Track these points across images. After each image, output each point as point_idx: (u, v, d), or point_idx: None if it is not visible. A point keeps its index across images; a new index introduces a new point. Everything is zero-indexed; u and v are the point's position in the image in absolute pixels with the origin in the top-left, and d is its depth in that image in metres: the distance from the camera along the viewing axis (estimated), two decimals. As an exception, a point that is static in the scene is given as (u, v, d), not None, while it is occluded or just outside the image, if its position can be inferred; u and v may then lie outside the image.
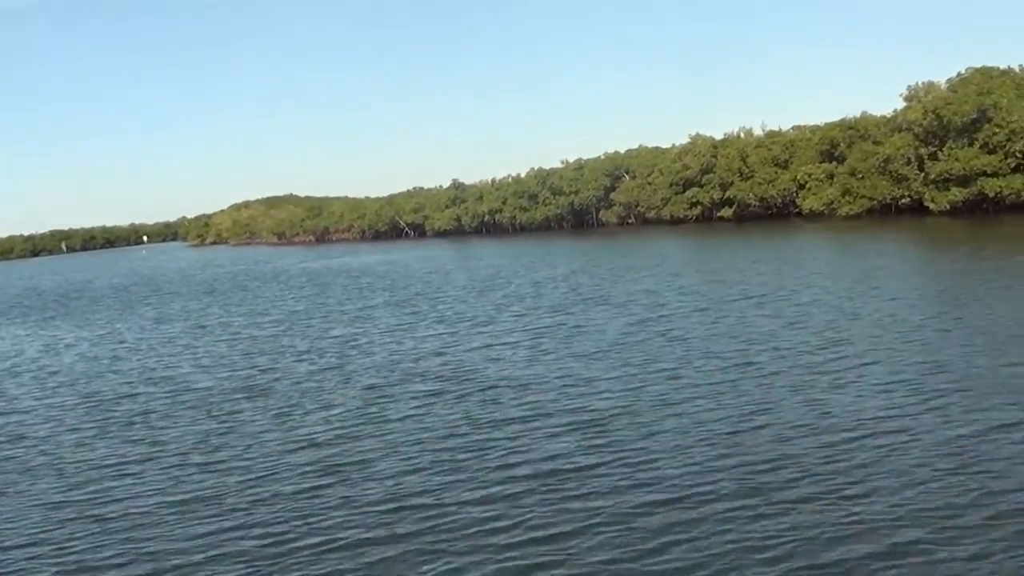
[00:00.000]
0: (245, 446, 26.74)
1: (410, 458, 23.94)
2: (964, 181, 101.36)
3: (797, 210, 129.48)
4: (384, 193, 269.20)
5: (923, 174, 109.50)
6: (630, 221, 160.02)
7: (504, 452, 23.69)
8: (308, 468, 23.88)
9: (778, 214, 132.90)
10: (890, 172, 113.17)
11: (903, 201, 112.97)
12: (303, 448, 25.91)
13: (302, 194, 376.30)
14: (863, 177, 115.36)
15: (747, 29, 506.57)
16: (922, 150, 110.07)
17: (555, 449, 23.53)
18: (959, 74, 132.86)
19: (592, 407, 27.41)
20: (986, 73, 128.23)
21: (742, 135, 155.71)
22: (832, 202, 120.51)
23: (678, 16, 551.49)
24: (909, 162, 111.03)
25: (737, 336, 36.79)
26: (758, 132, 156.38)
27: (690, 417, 25.33)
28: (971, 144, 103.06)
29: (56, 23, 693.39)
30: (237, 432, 28.57)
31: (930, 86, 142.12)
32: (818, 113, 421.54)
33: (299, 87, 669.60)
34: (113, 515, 21.77)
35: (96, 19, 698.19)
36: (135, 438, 29.18)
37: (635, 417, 25.86)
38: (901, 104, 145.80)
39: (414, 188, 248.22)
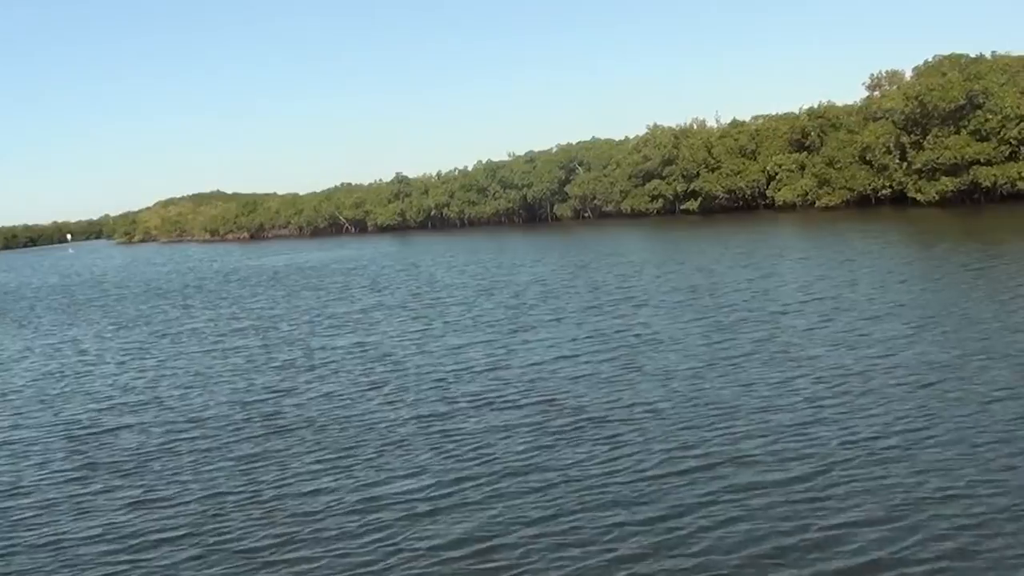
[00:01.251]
0: (315, 519, 18.61)
1: (586, 541, 16.13)
2: (954, 170, 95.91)
3: (766, 202, 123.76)
4: (315, 189, 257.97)
5: (905, 163, 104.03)
6: (586, 215, 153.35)
7: (746, 538, 15.99)
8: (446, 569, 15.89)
9: (745, 206, 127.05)
10: (869, 162, 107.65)
11: (884, 192, 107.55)
12: (410, 522, 17.91)
13: (229, 191, 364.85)
14: (841, 167, 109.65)
15: (693, 21, 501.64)
16: (904, 138, 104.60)
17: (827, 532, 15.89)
18: (926, 61, 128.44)
19: (802, 452, 19.84)
20: (956, 60, 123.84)
21: (695, 126, 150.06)
22: (807, 193, 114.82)
23: (622, 9, 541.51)
24: (889, 151, 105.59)
25: (886, 350, 29.44)
26: (712, 124, 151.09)
27: (961, 474, 17.90)
28: (957, 131, 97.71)
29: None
30: (292, 492, 20.42)
31: (894, 74, 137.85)
32: (770, 104, 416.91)
33: (224, 81, 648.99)
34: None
35: (14, 9, 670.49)
36: (146, 498, 20.91)
37: (892, 467, 18.43)
38: (863, 93, 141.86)
39: (341, 184, 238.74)
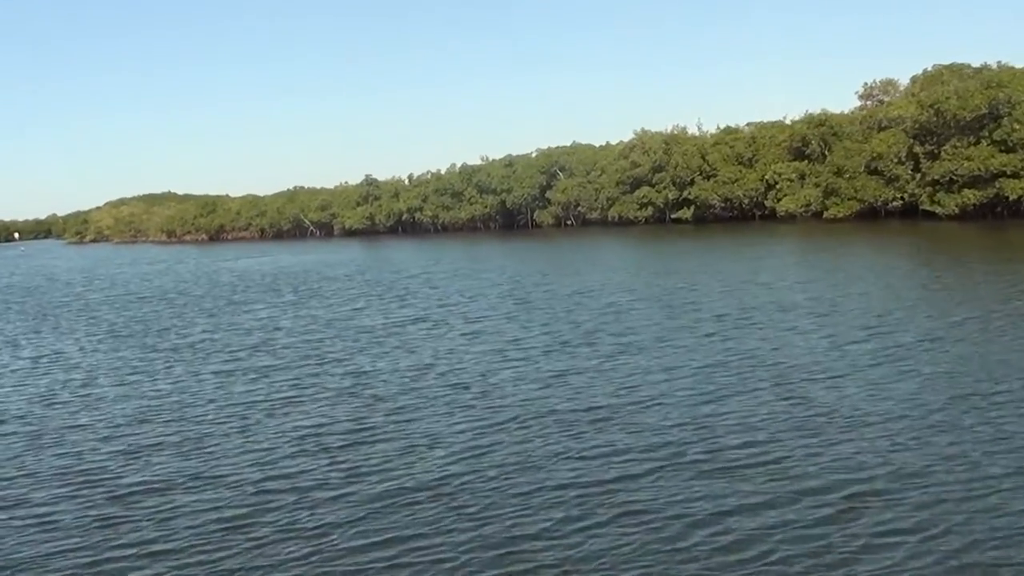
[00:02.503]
0: None
1: None
2: (975, 182, 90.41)
3: (763, 211, 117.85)
4: (270, 191, 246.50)
5: (919, 174, 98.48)
6: (569, 222, 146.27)
7: None
8: None
9: (741, 216, 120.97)
10: (880, 172, 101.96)
11: (894, 204, 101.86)
12: None
13: (181, 191, 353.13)
14: (850, 177, 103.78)
15: (670, 28, 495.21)
16: (917, 148, 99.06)
17: None
18: (925, 71, 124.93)
19: None
20: (957, 70, 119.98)
21: (675, 133, 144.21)
22: (810, 203, 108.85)
23: (593, 17, 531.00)
24: (902, 161, 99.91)
25: None
26: (693, 131, 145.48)
27: None
28: (977, 142, 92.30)
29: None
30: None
31: (889, 83, 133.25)
32: (752, 113, 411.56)
33: (175, 80, 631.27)
34: None
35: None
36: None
37: None
38: (854, 102, 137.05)
39: (295, 187, 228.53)
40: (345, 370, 32.91)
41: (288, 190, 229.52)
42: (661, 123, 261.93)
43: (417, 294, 57.01)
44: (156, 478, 21.13)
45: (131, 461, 22.79)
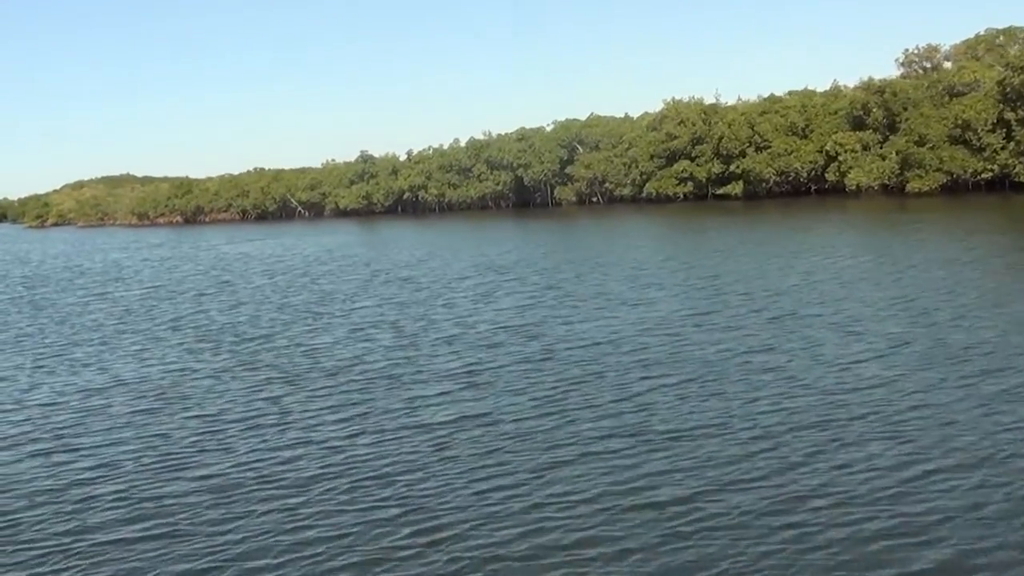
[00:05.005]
0: None
1: None
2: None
3: (822, 185, 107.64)
4: (232, 172, 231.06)
5: (1012, 143, 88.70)
6: (594, 199, 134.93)
7: None
8: None
9: (793, 191, 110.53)
10: (965, 140, 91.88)
11: (984, 175, 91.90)
12: None
13: (140, 174, 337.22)
14: (934, 147, 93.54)
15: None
16: (1008, 114, 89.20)
17: None
18: (977, 35, 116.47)
19: None
20: (1013, 34, 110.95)
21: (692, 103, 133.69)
22: (882, 176, 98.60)
23: None
24: (993, 129, 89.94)
25: None
26: (711, 101, 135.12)
27: None
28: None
29: None
30: None
31: (932, 50, 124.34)
32: (768, 85, 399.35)
33: (130, 57, 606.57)
34: None
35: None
36: None
37: None
38: (896, 70, 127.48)
39: (256, 168, 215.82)
40: (671, 427, 21.55)
41: (256, 169, 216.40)
42: (677, 94, 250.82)
43: (563, 288, 45.35)
44: None
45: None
